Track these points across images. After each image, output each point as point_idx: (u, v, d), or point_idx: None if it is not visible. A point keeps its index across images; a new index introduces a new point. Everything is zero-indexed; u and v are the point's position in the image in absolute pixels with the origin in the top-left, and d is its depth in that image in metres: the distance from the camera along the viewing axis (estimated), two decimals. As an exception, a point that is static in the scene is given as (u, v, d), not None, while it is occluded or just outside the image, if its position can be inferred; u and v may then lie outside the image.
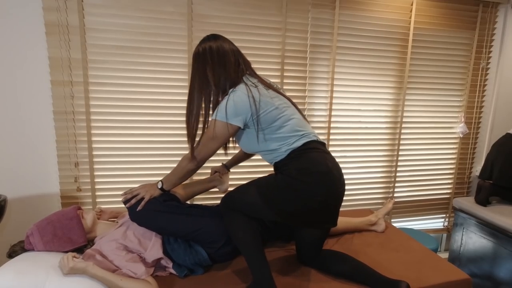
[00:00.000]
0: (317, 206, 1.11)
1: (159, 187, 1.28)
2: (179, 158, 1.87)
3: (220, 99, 1.19)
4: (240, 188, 1.21)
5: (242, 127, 1.15)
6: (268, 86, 1.19)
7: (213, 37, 1.18)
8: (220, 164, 1.58)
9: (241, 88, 1.12)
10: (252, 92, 1.12)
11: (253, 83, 1.15)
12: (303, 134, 1.17)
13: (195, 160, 1.20)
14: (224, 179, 1.53)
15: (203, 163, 1.23)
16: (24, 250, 1.22)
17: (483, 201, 2.05)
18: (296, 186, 1.10)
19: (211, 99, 1.19)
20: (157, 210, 1.24)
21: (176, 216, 1.25)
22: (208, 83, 1.16)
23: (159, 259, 1.25)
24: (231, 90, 1.13)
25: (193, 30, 1.77)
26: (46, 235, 1.20)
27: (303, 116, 1.25)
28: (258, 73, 1.88)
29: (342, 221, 1.62)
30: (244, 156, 1.55)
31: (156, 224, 1.24)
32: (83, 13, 1.63)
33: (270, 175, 1.20)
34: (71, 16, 1.61)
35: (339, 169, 1.18)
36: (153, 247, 1.22)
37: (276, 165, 1.21)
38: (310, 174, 1.10)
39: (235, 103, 1.10)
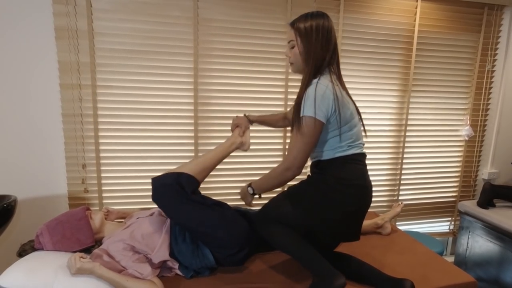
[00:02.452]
0: (347, 216, 1.15)
1: (250, 192, 1.24)
2: (185, 161, 1.89)
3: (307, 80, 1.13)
4: (271, 202, 1.23)
5: (324, 121, 1.10)
6: (343, 87, 1.18)
7: (323, 15, 1.14)
8: (241, 115, 1.43)
9: (326, 83, 1.09)
10: (336, 90, 1.10)
11: (334, 80, 1.13)
12: (356, 144, 1.18)
13: (291, 169, 1.12)
14: (246, 137, 1.39)
15: (301, 170, 1.14)
16: (33, 249, 1.25)
17: (483, 203, 2.04)
18: (331, 195, 1.13)
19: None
20: (179, 196, 1.22)
21: (196, 210, 1.23)
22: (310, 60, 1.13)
23: (166, 260, 1.26)
24: (316, 80, 1.09)
25: (199, 34, 1.80)
26: (56, 235, 1.23)
27: (363, 124, 1.25)
28: (262, 76, 1.91)
29: None
30: (276, 122, 1.48)
31: (174, 209, 1.23)
32: (92, 18, 1.66)
33: (301, 183, 1.21)
34: (80, 21, 1.65)
35: (371, 184, 1.22)
36: (160, 248, 1.24)
37: (318, 163, 1.20)
38: (348, 185, 1.13)
39: (320, 98, 1.07)
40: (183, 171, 1.28)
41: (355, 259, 1.27)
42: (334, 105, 1.09)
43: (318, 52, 1.13)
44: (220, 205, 1.34)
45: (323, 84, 1.09)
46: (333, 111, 1.09)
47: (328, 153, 1.16)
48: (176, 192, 1.23)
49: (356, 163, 1.17)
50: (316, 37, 1.12)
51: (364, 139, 2.11)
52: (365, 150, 2.11)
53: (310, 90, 1.08)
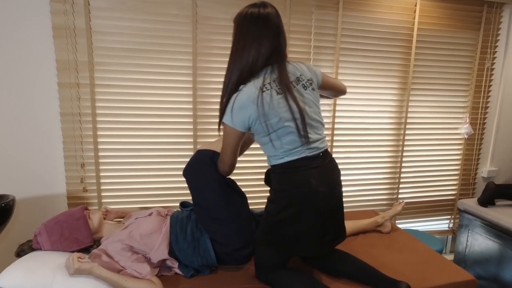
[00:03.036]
0: (310, 224, 1.09)
1: None
2: (184, 159, 1.88)
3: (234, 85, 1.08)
4: (256, 255, 1.22)
5: (247, 131, 1.10)
6: (282, 88, 1.06)
7: (260, 5, 1.05)
8: None
9: (251, 91, 1.03)
10: (264, 97, 1.03)
11: (267, 84, 1.04)
12: (294, 151, 1.08)
13: (221, 164, 1.19)
14: None
15: (230, 168, 1.19)
16: (32, 249, 1.24)
17: (483, 201, 2.04)
18: (281, 211, 1.10)
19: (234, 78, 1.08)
20: (212, 174, 1.22)
21: (220, 192, 1.23)
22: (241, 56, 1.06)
23: (165, 259, 1.26)
24: (242, 86, 1.05)
25: (198, 32, 1.79)
26: (54, 235, 1.22)
27: (305, 130, 1.09)
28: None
29: (349, 225, 1.62)
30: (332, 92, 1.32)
31: (201, 186, 1.23)
32: (90, 16, 1.65)
33: (264, 216, 1.19)
34: (78, 19, 1.64)
35: (331, 182, 1.12)
36: (159, 247, 1.23)
37: (267, 172, 1.23)
38: (289, 195, 1.08)
39: (239, 108, 1.04)
40: (217, 150, 1.25)
41: (351, 256, 1.26)
42: (255, 114, 1.03)
43: (247, 50, 1.04)
44: (242, 196, 1.34)
45: (245, 92, 1.03)
46: (253, 120, 1.04)
47: (269, 159, 1.15)
48: (209, 170, 1.22)
49: (296, 170, 1.08)
50: (247, 31, 1.03)
51: (363, 137, 2.13)
52: (363, 149, 2.14)
53: (232, 98, 1.05)
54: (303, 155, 1.09)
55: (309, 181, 1.08)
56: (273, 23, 1.05)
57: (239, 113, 1.04)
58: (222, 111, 1.10)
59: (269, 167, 1.18)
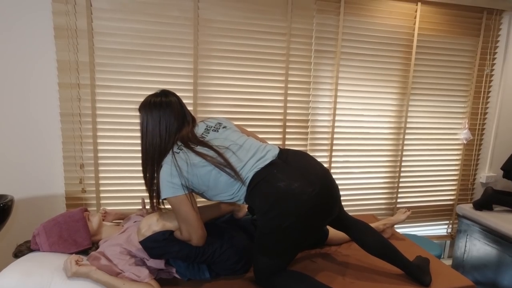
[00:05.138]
0: (308, 217, 1.07)
1: None
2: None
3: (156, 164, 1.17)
4: (255, 263, 1.19)
5: (187, 192, 1.12)
6: (191, 145, 1.14)
7: (164, 94, 1.19)
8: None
9: (167, 161, 1.12)
10: (178, 161, 1.11)
11: (178, 147, 1.14)
12: (241, 179, 1.11)
13: (192, 242, 1.17)
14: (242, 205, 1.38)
15: (203, 239, 1.17)
16: (30, 250, 1.23)
17: (477, 204, 2.05)
18: (275, 219, 1.06)
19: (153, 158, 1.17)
20: (171, 247, 1.17)
21: (193, 250, 1.19)
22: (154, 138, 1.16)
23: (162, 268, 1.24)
24: (163, 162, 1.14)
25: (199, 34, 1.79)
26: (52, 236, 1.22)
27: (227, 161, 1.12)
28: (262, 77, 1.91)
29: None
30: None
31: (172, 258, 1.20)
32: (91, 17, 1.65)
33: (257, 231, 1.17)
34: (80, 20, 1.64)
35: (302, 169, 1.10)
36: None
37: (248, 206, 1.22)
38: (271, 208, 1.05)
39: (167, 177, 1.10)
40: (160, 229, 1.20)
41: (377, 234, 1.29)
42: (183, 175, 1.10)
43: (155, 132, 1.15)
44: (215, 226, 1.30)
45: (166, 163, 1.12)
46: (185, 180, 1.11)
47: (237, 200, 1.17)
48: (172, 253, 1.16)
49: (262, 182, 1.09)
50: (151, 116, 1.15)
51: (362, 142, 2.14)
52: (362, 153, 2.15)
53: (159, 175, 1.13)
54: (254, 171, 1.11)
55: (278, 186, 1.06)
56: (174, 107, 1.17)
57: (172, 181, 1.10)
58: (156, 191, 1.17)
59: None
